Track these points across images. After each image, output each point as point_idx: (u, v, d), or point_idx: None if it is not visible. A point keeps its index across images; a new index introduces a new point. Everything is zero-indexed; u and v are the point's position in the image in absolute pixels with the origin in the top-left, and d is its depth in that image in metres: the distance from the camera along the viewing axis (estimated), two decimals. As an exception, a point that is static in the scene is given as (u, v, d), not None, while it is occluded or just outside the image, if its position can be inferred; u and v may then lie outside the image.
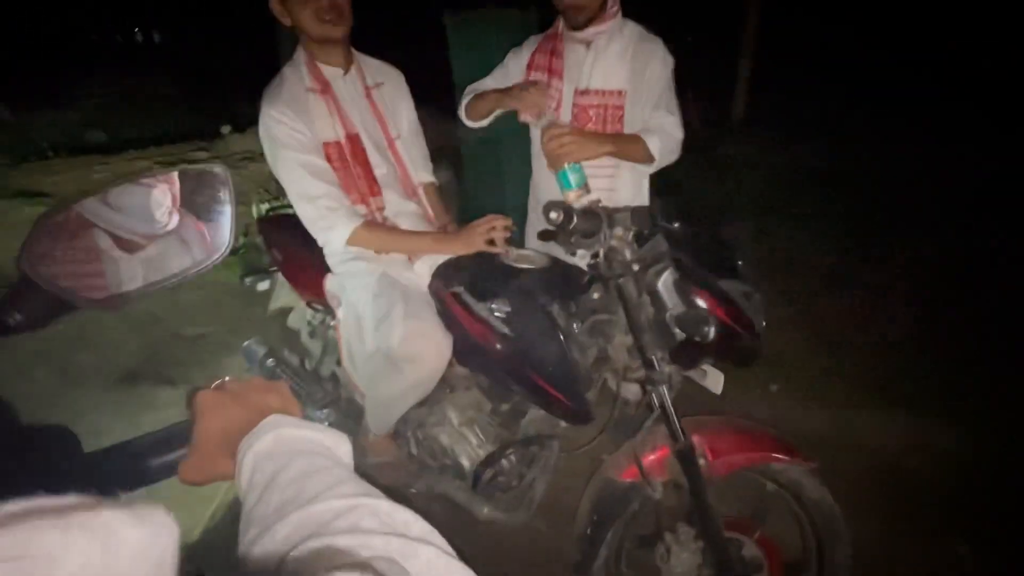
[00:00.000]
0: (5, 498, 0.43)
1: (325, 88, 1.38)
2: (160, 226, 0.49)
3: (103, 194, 0.46)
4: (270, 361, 1.73)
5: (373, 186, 1.42)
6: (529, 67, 1.62)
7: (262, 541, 0.34)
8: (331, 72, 1.40)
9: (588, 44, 1.53)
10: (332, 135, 1.37)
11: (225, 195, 0.50)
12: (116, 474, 0.49)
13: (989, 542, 1.61)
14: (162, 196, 0.47)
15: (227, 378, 0.52)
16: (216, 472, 0.49)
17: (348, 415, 1.62)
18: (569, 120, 1.59)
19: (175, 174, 0.50)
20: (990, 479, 1.80)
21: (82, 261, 0.47)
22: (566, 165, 1.25)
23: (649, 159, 1.47)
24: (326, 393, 1.67)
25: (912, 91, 5.58)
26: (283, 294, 1.83)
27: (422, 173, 1.59)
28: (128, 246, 0.47)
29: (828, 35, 6.24)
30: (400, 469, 1.52)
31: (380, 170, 1.45)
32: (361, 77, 1.46)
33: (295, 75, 1.38)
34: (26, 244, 0.47)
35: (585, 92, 1.55)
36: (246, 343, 1.80)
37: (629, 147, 1.45)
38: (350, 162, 1.39)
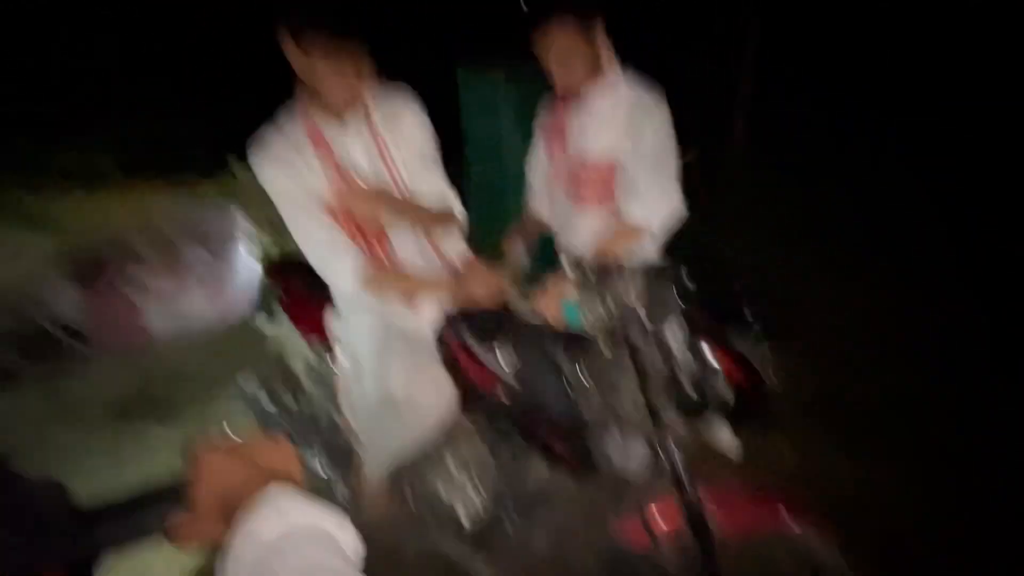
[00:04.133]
0: None
1: (319, 139, 1.31)
2: (191, 280, 0.48)
3: (137, 246, 0.45)
4: (267, 401, 1.70)
5: (380, 233, 1.38)
6: (543, 133, 1.66)
7: None
8: (328, 123, 1.32)
9: (582, 107, 1.53)
10: (330, 185, 1.32)
11: (252, 254, 0.49)
12: (104, 532, 0.47)
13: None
14: (194, 251, 0.46)
15: (229, 433, 0.50)
16: (207, 534, 0.47)
17: (344, 463, 1.57)
18: (570, 187, 1.59)
19: (200, 223, 0.49)
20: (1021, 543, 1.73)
21: (113, 309, 0.46)
22: (564, 316, 1.23)
23: (648, 232, 1.44)
24: (321, 436, 1.64)
25: (919, 125, 5.62)
26: (286, 334, 1.81)
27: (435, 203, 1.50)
28: (159, 296, 0.46)
29: (827, 75, 6.37)
30: (396, 524, 1.46)
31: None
32: (368, 121, 1.36)
33: (289, 123, 1.31)
34: (55, 289, 0.45)
35: (582, 159, 1.55)
36: (243, 382, 1.77)
37: (618, 241, 1.41)
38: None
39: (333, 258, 1.32)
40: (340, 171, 1.32)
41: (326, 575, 0.36)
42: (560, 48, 1.40)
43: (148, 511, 0.49)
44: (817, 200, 4.55)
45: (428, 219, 1.42)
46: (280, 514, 0.41)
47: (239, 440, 0.50)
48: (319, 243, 1.31)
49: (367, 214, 1.33)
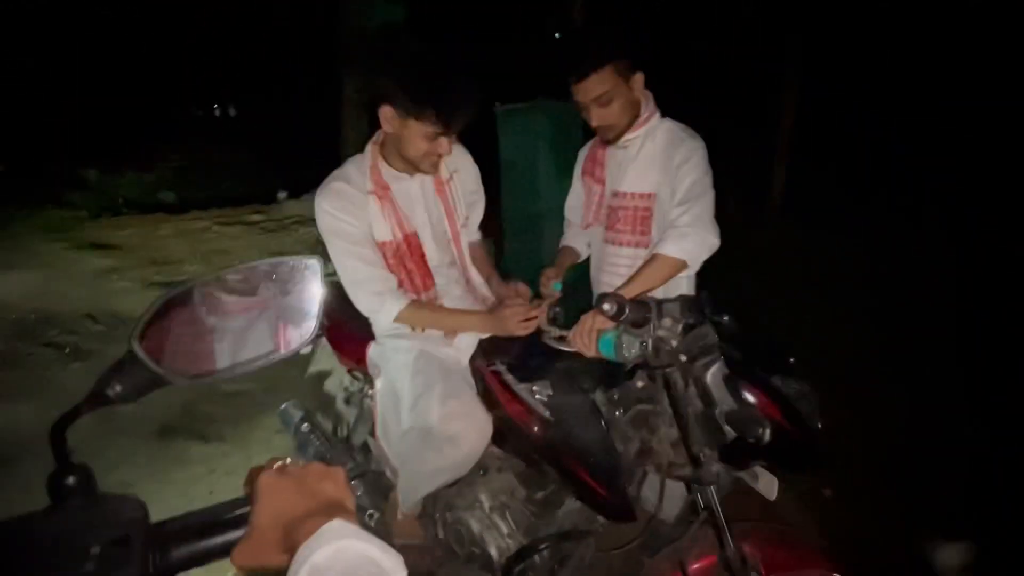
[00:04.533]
0: (74, 556, 0.43)
1: (384, 193, 1.38)
2: (256, 310, 0.52)
3: (216, 277, 0.50)
4: (305, 426, 1.74)
5: (427, 279, 1.44)
6: (583, 174, 1.71)
7: None
8: (394, 176, 1.40)
9: (625, 148, 1.57)
10: (388, 236, 1.39)
11: (316, 287, 0.53)
12: (179, 551, 0.49)
13: None
14: (259, 281, 0.51)
15: (287, 459, 0.52)
16: (267, 560, 0.48)
17: (376, 489, 1.58)
18: (604, 220, 1.63)
19: (273, 262, 0.54)
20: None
21: (188, 340, 0.50)
22: (599, 349, 1.20)
23: (682, 266, 1.43)
24: (356, 464, 1.65)
25: (953, 181, 5.54)
26: (323, 358, 1.87)
27: (472, 234, 1.60)
28: (225, 327, 0.50)
29: (866, 120, 6.35)
30: (425, 554, 1.45)
31: (435, 261, 1.46)
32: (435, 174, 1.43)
33: (357, 174, 1.38)
34: (143, 323, 0.50)
35: (617, 195, 1.58)
36: (283, 405, 1.82)
37: (653, 275, 1.40)
38: (405, 259, 1.41)
39: (374, 297, 1.37)
40: (399, 219, 1.39)
41: None
42: (598, 95, 1.44)
43: (217, 533, 0.51)
44: (851, 253, 4.48)
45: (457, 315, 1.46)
46: (340, 548, 0.42)
47: (297, 467, 0.52)
48: (362, 282, 1.37)
49: None
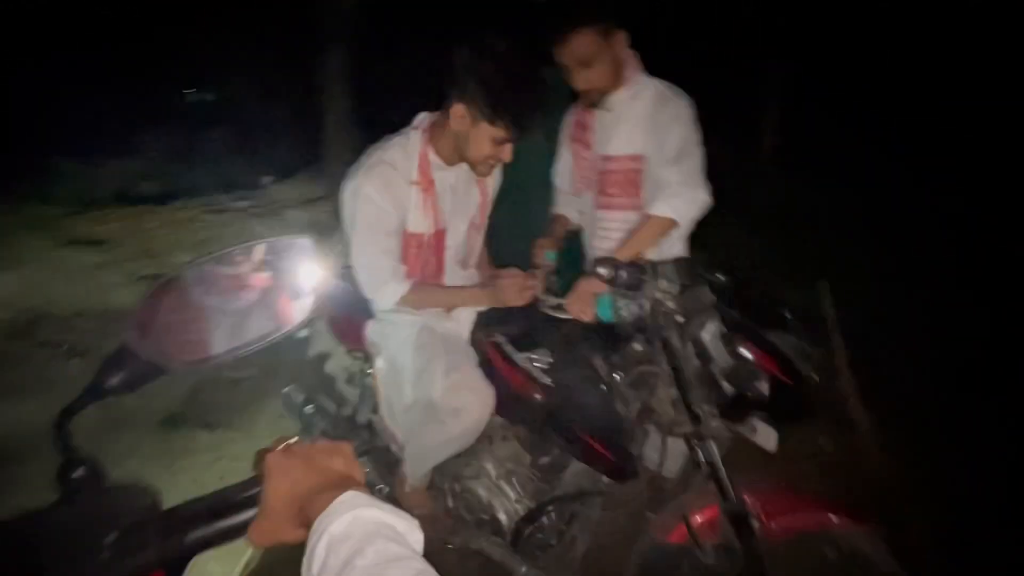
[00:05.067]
0: (89, 547, 0.44)
1: (429, 186, 1.35)
2: (249, 292, 0.52)
3: (206, 262, 0.49)
4: (308, 408, 1.75)
5: (440, 273, 1.44)
6: (570, 139, 1.68)
7: None
8: (441, 168, 1.37)
9: (611, 110, 1.54)
10: (421, 228, 1.37)
11: (310, 266, 0.53)
12: (194, 533, 0.50)
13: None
14: (251, 263, 0.50)
15: (295, 438, 0.53)
16: (282, 536, 0.49)
17: (383, 464, 1.61)
18: (595, 186, 1.61)
19: (265, 243, 0.53)
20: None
21: (181, 327, 0.50)
22: (597, 312, 1.22)
23: (673, 225, 1.43)
24: (362, 441, 1.68)
25: (948, 131, 5.52)
26: (323, 341, 1.87)
27: None
28: (220, 311, 0.50)
29: (858, 79, 6.29)
30: (436, 523, 1.48)
31: (452, 251, 1.46)
32: None
33: (403, 159, 1.34)
34: (135, 314, 0.50)
35: (607, 158, 1.57)
36: (285, 390, 1.83)
37: (646, 237, 1.41)
38: (428, 252, 1.40)
39: (383, 285, 1.36)
40: (436, 214, 1.37)
41: (403, 569, 0.39)
42: (581, 56, 1.42)
43: (231, 514, 0.52)
44: (848, 203, 4.47)
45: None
46: (355, 517, 0.43)
47: (305, 445, 0.53)
48: (376, 268, 1.35)
49: None
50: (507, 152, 1.30)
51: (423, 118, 1.39)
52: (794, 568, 1.18)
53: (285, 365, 2.51)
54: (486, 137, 1.27)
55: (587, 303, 1.24)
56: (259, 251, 0.52)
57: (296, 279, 0.53)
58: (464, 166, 1.39)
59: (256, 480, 0.52)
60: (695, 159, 1.47)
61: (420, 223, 1.37)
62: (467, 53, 1.23)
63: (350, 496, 0.45)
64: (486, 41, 1.23)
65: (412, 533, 0.44)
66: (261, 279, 0.52)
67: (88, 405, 0.52)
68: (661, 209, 1.42)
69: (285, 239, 0.53)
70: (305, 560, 0.42)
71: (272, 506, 0.49)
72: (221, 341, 0.51)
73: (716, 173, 1.51)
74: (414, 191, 1.34)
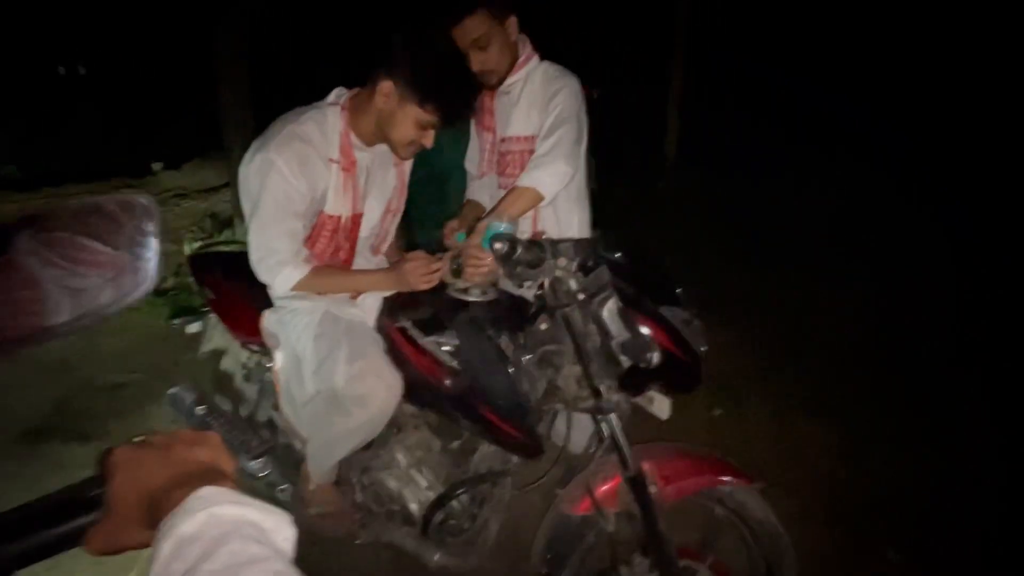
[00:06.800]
0: None
1: (351, 166, 1.30)
2: (87, 255, 0.44)
3: (30, 223, 0.41)
4: (200, 409, 1.61)
5: (350, 258, 1.40)
6: (476, 124, 1.69)
7: None
8: (360, 148, 1.33)
9: (508, 93, 1.59)
10: (339, 211, 1.32)
11: (152, 226, 0.47)
12: (16, 547, 0.42)
13: (922, 549, 1.71)
14: (89, 224, 0.43)
15: (154, 435, 0.47)
16: (126, 541, 0.43)
17: (286, 463, 1.52)
18: (496, 168, 1.65)
19: (101, 200, 0.46)
20: (925, 489, 1.92)
21: (13, 289, 0.42)
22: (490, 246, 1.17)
23: (537, 196, 1.45)
24: (262, 441, 1.57)
25: (848, 123, 6.04)
26: (216, 336, 1.73)
27: None
28: (54, 276, 0.42)
29: (760, 70, 6.73)
30: (344, 519, 1.43)
31: (365, 236, 1.42)
32: None
33: (319, 135, 1.28)
34: None
35: (505, 139, 1.61)
36: (172, 390, 1.67)
37: (507, 207, 1.42)
38: (341, 235, 1.35)
39: (277, 266, 1.28)
40: (356, 196, 1.34)
41: (254, 567, 0.35)
42: (476, 39, 1.45)
43: (64, 520, 0.44)
44: (743, 199, 4.81)
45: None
46: (211, 515, 0.38)
47: (164, 435, 0.46)
48: (275, 251, 1.27)
49: None
50: (429, 138, 1.29)
51: (341, 93, 1.34)
52: (688, 526, 1.28)
53: (175, 366, 2.30)
54: (412, 119, 1.25)
55: (479, 252, 1.23)
56: (92, 207, 0.45)
57: (138, 241, 0.47)
58: (381, 148, 1.36)
59: (99, 480, 0.45)
60: (565, 131, 1.49)
61: (338, 205, 1.31)
62: (408, 33, 1.23)
63: (209, 492, 0.39)
64: (429, 25, 1.26)
65: (281, 530, 0.40)
66: (97, 241, 0.45)
67: None
68: (524, 180, 1.45)
69: (121, 195, 0.47)
70: (151, 567, 0.37)
71: (116, 507, 0.42)
72: (51, 312, 0.43)
73: (621, 167, 1.57)
74: (334, 170, 1.29)
